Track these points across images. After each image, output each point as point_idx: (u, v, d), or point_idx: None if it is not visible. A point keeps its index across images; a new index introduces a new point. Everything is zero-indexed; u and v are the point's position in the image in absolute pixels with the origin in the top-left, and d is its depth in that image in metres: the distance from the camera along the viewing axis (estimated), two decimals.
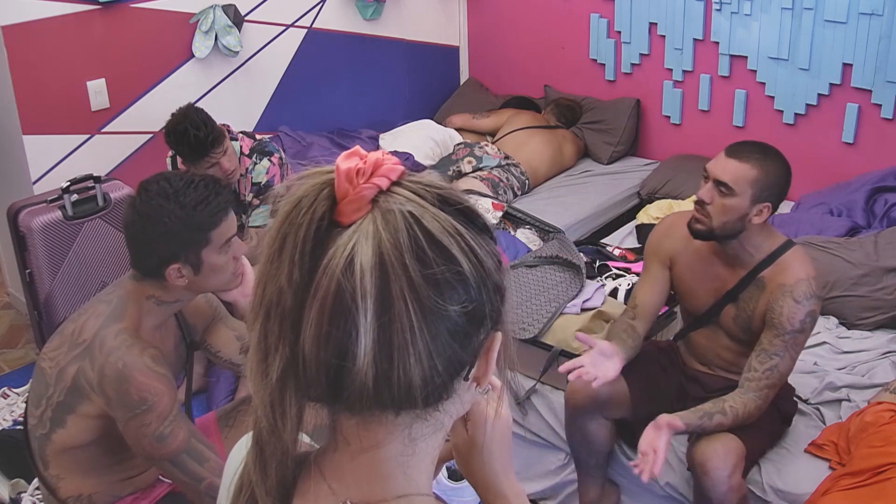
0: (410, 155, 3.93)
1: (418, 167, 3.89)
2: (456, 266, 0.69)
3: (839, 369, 2.60)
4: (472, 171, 3.72)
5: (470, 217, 0.73)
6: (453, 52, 4.69)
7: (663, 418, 2.04)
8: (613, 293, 2.82)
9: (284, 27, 3.91)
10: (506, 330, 0.76)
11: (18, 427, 2.78)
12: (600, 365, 2.15)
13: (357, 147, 0.75)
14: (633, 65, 4.05)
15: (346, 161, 0.72)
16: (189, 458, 1.82)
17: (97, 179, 3.06)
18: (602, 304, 2.69)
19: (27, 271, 2.98)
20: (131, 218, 1.82)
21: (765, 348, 2.09)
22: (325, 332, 0.68)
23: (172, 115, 2.81)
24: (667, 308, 2.65)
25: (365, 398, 0.70)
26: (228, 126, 3.01)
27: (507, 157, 3.83)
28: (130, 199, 1.84)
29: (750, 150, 2.11)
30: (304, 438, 0.80)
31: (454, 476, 2.72)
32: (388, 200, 0.70)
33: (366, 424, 0.74)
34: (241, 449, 0.86)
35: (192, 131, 2.74)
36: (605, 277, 2.89)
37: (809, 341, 2.74)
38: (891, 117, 3.31)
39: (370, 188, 0.70)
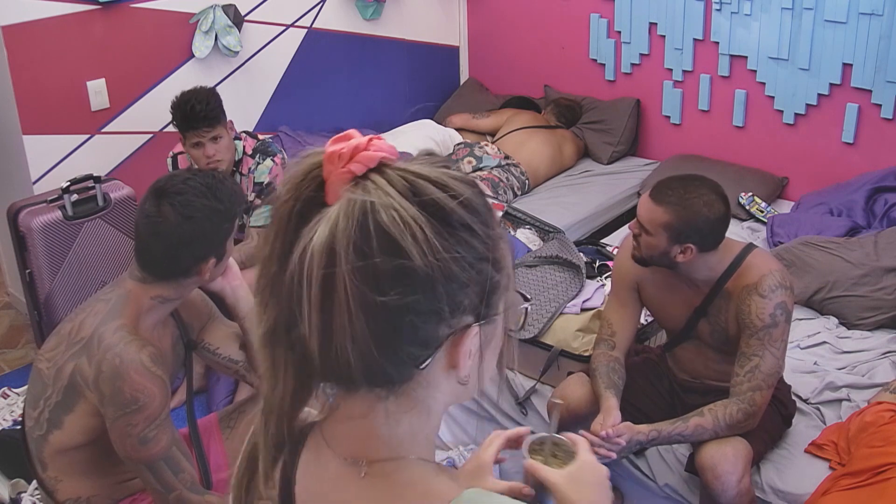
0: (410, 155, 3.92)
1: None
2: (402, 259, 0.70)
3: (839, 369, 2.60)
4: (472, 171, 3.72)
5: (442, 212, 0.72)
6: (453, 52, 4.69)
7: (637, 426, 2.06)
8: None
9: (284, 27, 3.91)
10: (496, 329, 0.79)
11: (18, 427, 2.78)
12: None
13: (352, 130, 0.77)
14: (633, 65, 4.05)
15: (332, 144, 0.74)
16: (165, 466, 1.83)
17: (97, 179, 3.06)
18: (602, 304, 2.69)
19: (27, 271, 2.98)
20: (169, 223, 1.78)
21: (743, 351, 2.07)
22: (286, 304, 0.73)
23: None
24: (652, 318, 2.64)
25: (322, 372, 0.75)
26: (232, 123, 3.02)
27: (506, 157, 3.83)
28: (157, 204, 1.80)
29: (671, 193, 2.04)
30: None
31: None
32: (357, 187, 0.72)
33: (347, 395, 0.78)
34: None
35: (192, 101, 2.82)
36: (605, 277, 2.89)
37: (809, 341, 2.74)
38: (891, 117, 3.31)
39: (346, 173, 0.73)
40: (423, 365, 0.75)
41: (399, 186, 0.72)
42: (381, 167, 0.74)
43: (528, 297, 0.81)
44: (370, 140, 0.74)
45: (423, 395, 0.78)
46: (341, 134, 0.76)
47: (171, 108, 2.88)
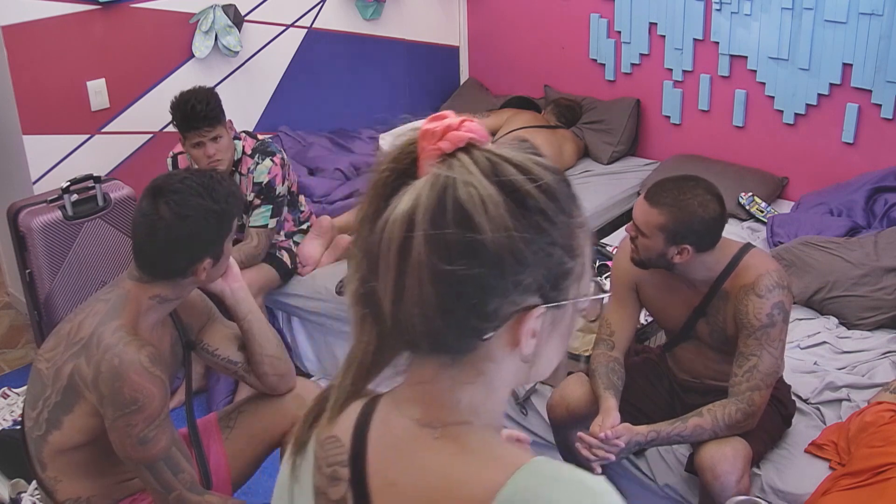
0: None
1: None
2: (473, 233, 0.74)
3: (839, 369, 2.60)
4: None
5: (520, 195, 0.76)
6: (453, 52, 4.69)
7: (636, 427, 2.06)
8: None
9: (284, 27, 3.91)
10: (565, 314, 0.82)
11: (18, 427, 2.78)
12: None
13: (448, 111, 0.82)
14: (633, 65, 4.05)
15: (428, 122, 0.80)
16: (165, 467, 1.83)
17: (97, 179, 3.06)
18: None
19: (27, 271, 2.98)
20: (165, 221, 1.79)
21: (741, 351, 2.07)
22: (367, 263, 0.80)
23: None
24: (652, 318, 2.64)
25: (393, 334, 0.80)
26: (231, 122, 3.02)
27: None
28: (149, 205, 1.81)
29: (665, 194, 2.04)
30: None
31: None
32: (444, 164, 0.78)
33: (416, 360, 0.83)
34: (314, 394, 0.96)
35: (193, 101, 2.81)
36: (605, 277, 2.89)
37: (809, 341, 2.74)
38: (891, 117, 3.30)
39: (435, 150, 0.78)
40: (486, 338, 0.78)
41: (482, 166, 0.77)
42: (469, 147, 0.78)
43: (607, 288, 0.81)
44: (462, 121, 0.79)
45: (486, 368, 0.81)
46: (438, 113, 0.81)
47: (171, 108, 2.88)
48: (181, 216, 1.79)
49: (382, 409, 0.87)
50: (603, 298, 0.85)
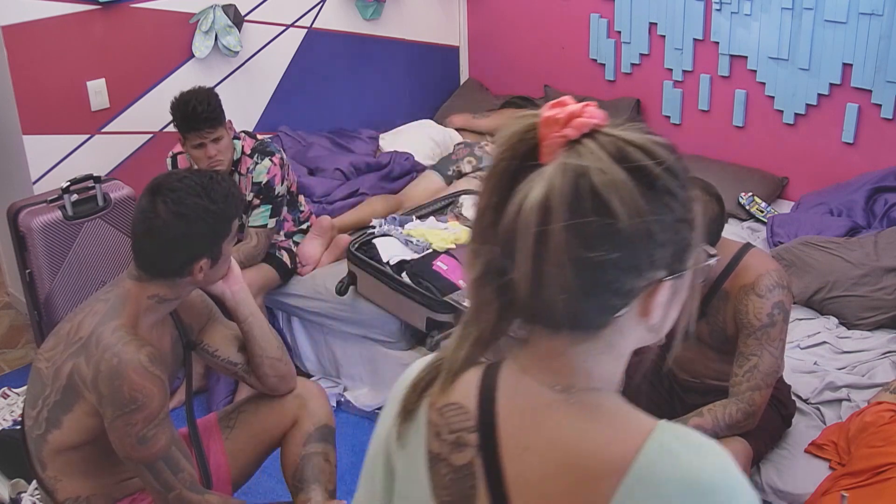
0: (410, 155, 3.93)
1: (418, 167, 3.89)
2: (611, 219, 0.77)
3: (839, 369, 2.60)
4: (473, 171, 3.72)
5: (648, 177, 0.79)
6: (453, 52, 4.69)
7: None
8: None
9: (284, 27, 3.91)
10: (685, 282, 0.85)
11: (18, 427, 2.78)
12: None
13: (567, 97, 0.83)
14: (633, 65, 4.05)
15: (549, 109, 0.81)
16: (165, 466, 1.83)
17: (97, 179, 3.07)
18: None
19: (27, 271, 2.98)
20: (161, 220, 1.80)
21: (741, 351, 2.07)
22: (501, 249, 0.82)
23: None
24: None
25: (527, 313, 0.84)
26: (230, 122, 3.02)
27: None
28: (147, 203, 1.82)
29: None
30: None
31: None
32: (571, 151, 0.79)
33: (547, 335, 0.86)
34: (417, 366, 0.98)
35: (193, 102, 2.81)
36: None
37: (809, 341, 2.74)
38: (891, 117, 3.30)
39: (560, 138, 0.80)
40: (620, 313, 0.82)
41: (609, 151, 0.79)
42: (592, 132, 0.80)
43: (715, 252, 0.81)
44: (585, 106, 0.80)
45: (616, 339, 0.85)
46: (557, 100, 0.82)
47: (172, 109, 2.87)
48: (178, 215, 1.79)
49: (508, 377, 0.89)
50: (713, 262, 0.89)
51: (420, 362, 0.98)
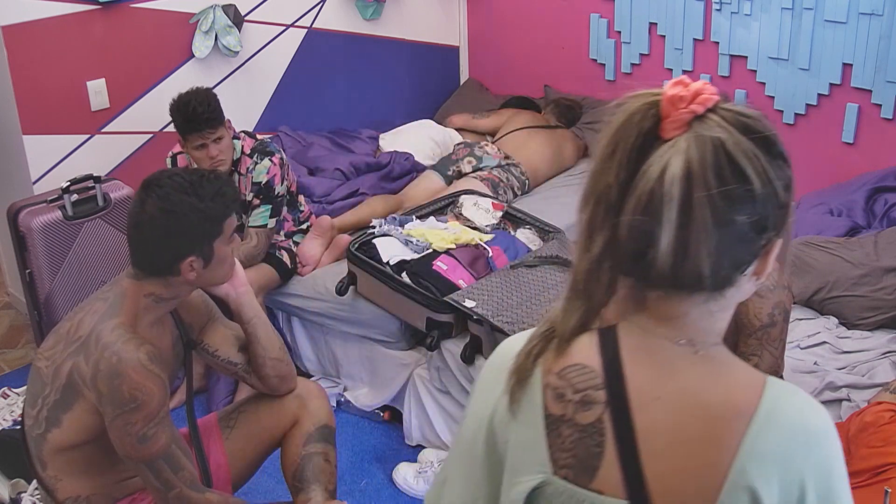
0: (410, 155, 3.93)
1: (418, 167, 3.89)
2: (748, 185, 0.86)
3: (839, 369, 2.60)
4: (473, 171, 3.72)
5: (768, 144, 0.89)
6: (453, 52, 4.69)
7: None
8: None
9: (284, 27, 3.91)
10: (786, 237, 0.94)
11: (18, 427, 2.78)
12: None
13: (683, 77, 0.90)
14: (633, 65, 4.05)
15: (672, 88, 0.88)
16: (165, 465, 1.83)
17: (97, 179, 3.07)
18: None
19: (27, 271, 2.98)
20: (148, 215, 1.81)
21: (741, 351, 2.07)
22: (639, 222, 0.87)
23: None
24: None
25: (664, 279, 0.90)
26: (230, 122, 3.02)
27: (507, 157, 3.83)
28: (139, 198, 1.84)
29: None
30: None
31: None
32: (701, 124, 0.87)
33: (667, 298, 0.93)
34: (515, 341, 1.03)
35: (194, 104, 2.81)
36: None
37: (809, 341, 2.74)
38: (891, 117, 3.30)
39: (688, 113, 0.87)
40: (747, 271, 0.92)
41: (735, 124, 0.87)
42: (714, 108, 0.88)
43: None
44: (705, 84, 0.88)
45: (734, 296, 0.94)
46: (678, 79, 0.89)
47: (171, 111, 2.87)
48: (164, 211, 1.80)
49: (629, 337, 0.96)
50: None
51: (517, 338, 1.03)
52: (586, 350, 0.97)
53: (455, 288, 2.77)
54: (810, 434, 0.91)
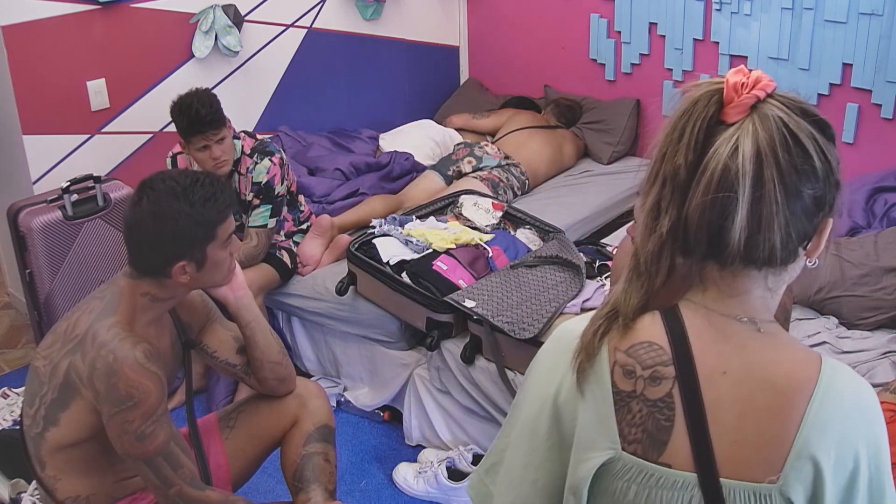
0: (410, 155, 3.93)
1: (418, 167, 3.89)
2: (810, 161, 0.94)
3: None
4: (472, 171, 3.72)
5: (822, 126, 0.96)
6: (453, 52, 4.69)
7: None
8: None
9: (284, 27, 3.91)
10: (835, 217, 0.99)
11: (18, 427, 2.78)
12: None
13: (742, 66, 0.98)
14: (633, 65, 4.05)
15: (734, 76, 0.96)
16: (164, 462, 1.83)
17: (97, 179, 3.07)
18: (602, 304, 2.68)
19: (27, 271, 2.98)
20: (138, 217, 1.81)
21: None
22: (711, 199, 0.93)
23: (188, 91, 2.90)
24: None
25: (736, 254, 0.95)
26: (230, 122, 3.02)
27: (507, 157, 3.83)
28: (134, 199, 1.84)
29: None
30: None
31: (454, 476, 2.72)
32: (763, 108, 0.94)
33: (733, 276, 0.99)
34: (576, 323, 1.08)
35: (196, 105, 2.80)
36: (605, 277, 2.89)
37: (809, 341, 2.74)
38: (891, 117, 3.31)
39: (751, 98, 0.94)
40: (807, 246, 0.99)
41: (792, 108, 0.95)
42: (772, 94, 0.96)
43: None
44: (762, 73, 0.96)
45: (791, 271, 1.00)
46: (738, 69, 0.97)
47: (173, 113, 2.86)
48: (153, 214, 1.80)
49: (694, 315, 1.01)
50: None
51: (575, 321, 1.09)
52: (651, 328, 1.01)
53: (455, 288, 2.77)
54: (864, 409, 0.99)
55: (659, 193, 0.98)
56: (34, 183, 3.28)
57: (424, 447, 2.93)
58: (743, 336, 0.99)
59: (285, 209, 3.20)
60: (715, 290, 1.00)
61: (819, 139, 0.95)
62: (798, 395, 0.97)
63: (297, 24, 3.95)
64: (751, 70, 0.96)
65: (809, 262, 1.00)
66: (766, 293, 1.00)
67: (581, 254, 2.95)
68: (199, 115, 2.80)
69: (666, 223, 0.97)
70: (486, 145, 3.87)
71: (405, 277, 2.83)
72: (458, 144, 3.99)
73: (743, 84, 0.95)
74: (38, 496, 2.41)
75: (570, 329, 1.07)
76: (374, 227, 3.09)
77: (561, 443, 1.04)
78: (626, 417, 0.99)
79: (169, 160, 3.09)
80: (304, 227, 3.32)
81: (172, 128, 2.97)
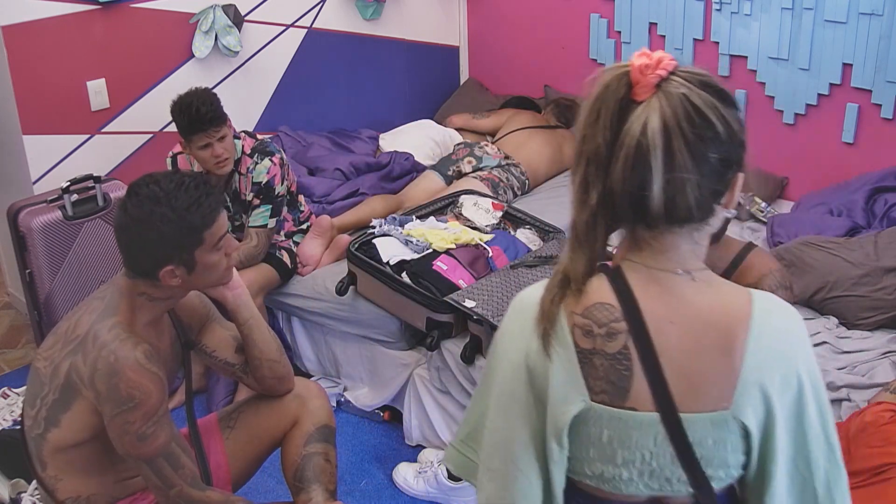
0: (410, 155, 3.93)
1: (418, 167, 3.89)
2: (713, 128, 1.04)
3: (839, 369, 2.60)
4: (472, 171, 3.72)
5: (722, 95, 1.07)
6: (453, 52, 4.69)
7: None
8: None
9: (284, 27, 3.91)
10: (745, 171, 1.11)
11: (18, 427, 2.78)
12: None
13: (645, 48, 1.08)
14: None
15: (638, 59, 1.06)
16: (165, 462, 1.83)
17: (97, 179, 3.07)
18: None
19: (27, 271, 2.98)
20: (123, 222, 1.82)
21: None
22: (630, 173, 1.05)
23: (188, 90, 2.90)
24: None
25: (659, 217, 1.06)
26: (230, 121, 3.02)
27: (507, 157, 3.83)
28: (120, 202, 1.84)
29: None
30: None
31: (454, 476, 2.72)
32: (667, 85, 1.05)
33: (661, 235, 1.10)
34: (532, 292, 1.18)
35: (196, 104, 2.80)
36: None
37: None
38: (891, 117, 3.30)
39: (654, 77, 1.05)
40: (723, 201, 1.10)
41: (694, 82, 1.06)
42: (674, 71, 1.06)
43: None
44: (664, 53, 1.06)
45: (711, 224, 1.11)
46: (641, 51, 1.06)
47: (174, 113, 2.86)
48: (135, 220, 1.79)
49: (635, 273, 1.12)
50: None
51: (529, 290, 1.18)
52: (601, 290, 1.12)
53: (455, 288, 2.77)
54: (795, 333, 1.12)
55: (585, 171, 1.08)
56: (34, 183, 3.28)
57: (424, 447, 2.93)
58: (681, 286, 1.11)
59: (285, 209, 3.20)
60: (648, 250, 1.11)
61: (720, 107, 1.05)
62: (737, 329, 1.09)
63: (296, 24, 3.95)
64: (654, 51, 1.06)
65: (728, 212, 1.11)
66: (693, 245, 1.12)
67: None
68: (199, 113, 2.80)
69: (594, 196, 1.08)
70: (486, 145, 3.87)
71: (405, 277, 2.83)
72: (458, 144, 3.99)
73: (647, 66, 1.04)
74: (38, 496, 2.41)
75: (528, 296, 1.17)
76: (374, 227, 3.09)
77: (537, 401, 1.14)
78: (591, 372, 1.11)
79: (169, 160, 3.09)
80: (304, 227, 3.32)
81: (172, 128, 2.97)
